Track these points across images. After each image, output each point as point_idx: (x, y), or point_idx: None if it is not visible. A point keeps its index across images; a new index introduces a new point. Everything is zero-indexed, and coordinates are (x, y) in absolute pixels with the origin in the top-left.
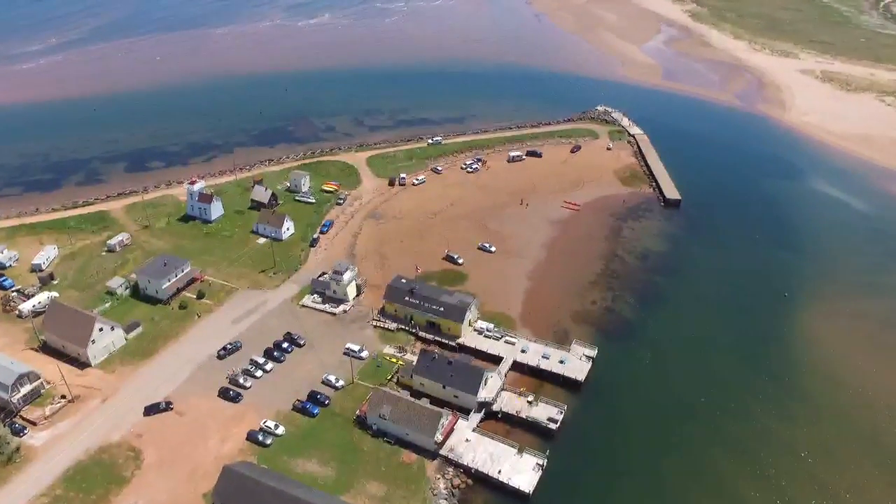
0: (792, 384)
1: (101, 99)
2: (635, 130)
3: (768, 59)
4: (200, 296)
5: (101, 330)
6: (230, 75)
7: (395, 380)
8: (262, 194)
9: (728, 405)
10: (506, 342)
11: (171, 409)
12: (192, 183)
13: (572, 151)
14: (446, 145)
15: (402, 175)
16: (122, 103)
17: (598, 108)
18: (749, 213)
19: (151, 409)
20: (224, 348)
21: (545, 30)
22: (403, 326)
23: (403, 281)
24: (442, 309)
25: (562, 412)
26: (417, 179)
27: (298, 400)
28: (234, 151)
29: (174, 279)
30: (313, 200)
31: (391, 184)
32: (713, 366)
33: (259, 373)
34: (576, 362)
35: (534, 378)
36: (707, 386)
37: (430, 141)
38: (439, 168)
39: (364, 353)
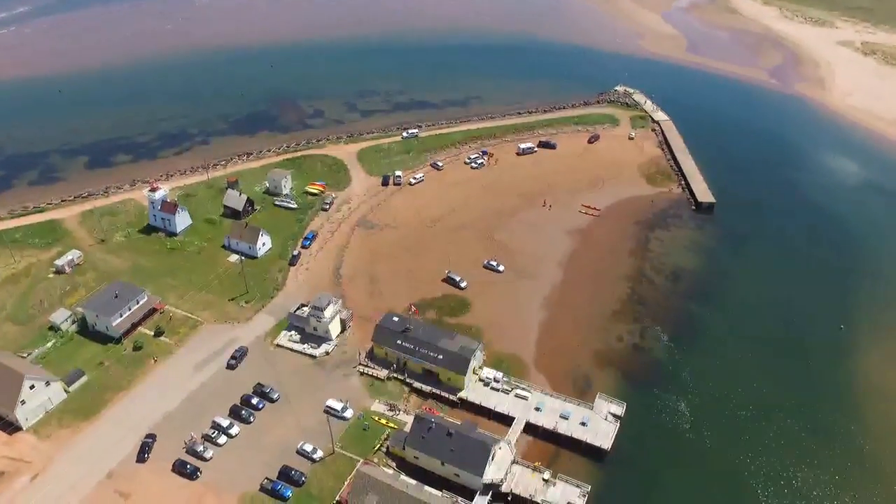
0: (862, 456)
1: (68, 78)
2: (660, 116)
3: (802, 28)
4: (159, 333)
5: (32, 388)
6: (212, 49)
7: (384, 448)
8: (235, 200)
9: (788, 488)
10: (517, 396)
11: (155, 440)
12: (153, 190)
13: (590, 141)
14: (448, 135)
15: (398, 173)
16: (91, 83)
17: (618, 88)
18: (792, 219)
19: (143, 453)
20: (233, 357)
21: None
22: (395, 374)
23: (395, 319)
24: (441, 357)
25: (585, 494)
26: (415, 178)
27: (268, 478)
28: (209, 142)
29: (127, 313)
30: (295, 206)
31: (385, 183)
32: (762, 427)
33: (223, 439)
34: (600, 423)
35: (550, 443)
36: (758, 455)
37: (404, 134)
38: (440, 163)
39: (348, 413)
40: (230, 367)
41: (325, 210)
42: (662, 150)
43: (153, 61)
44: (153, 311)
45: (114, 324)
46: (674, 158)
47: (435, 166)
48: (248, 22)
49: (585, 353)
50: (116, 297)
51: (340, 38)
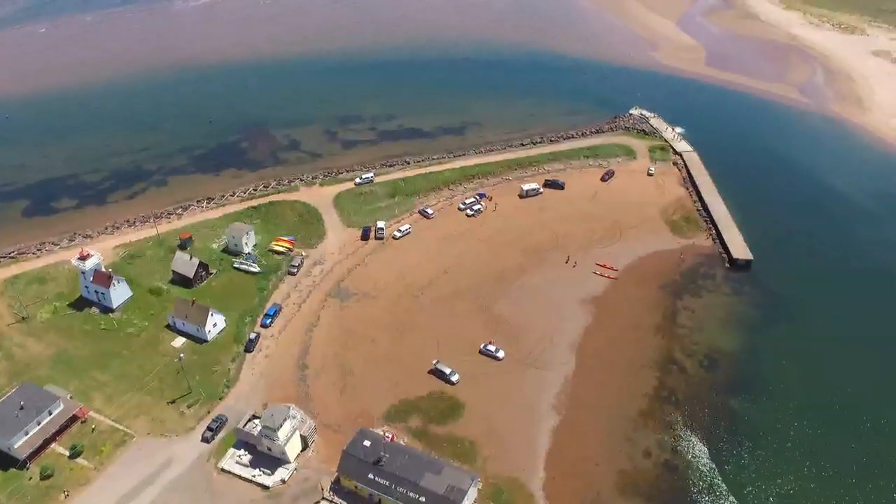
0: None
1: (18, 102)
2: (682, 147)
3: (830, 36)
4: (75, 453)
5: None
6: (184, 67)
7: None
8: (185, 265)
9: None
10: None
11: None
12: (83, 258)
13: (603, 179)
14: (440, 174)
15: (380, 224)
16: (44, 107)
17: (633, 111)
18: (850, 279)
19: None
20: (209, 429)
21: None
22: None
23: (367, 444)
24: (424, 500)
25: None
26: (400, 230)
27: None
28: (167, 183)
29: (35, 430)
30: (257, 269)
31: (365, 237)
32: None
33: None
34: None
35: None
36: None
37: (357, 180)
38: (430, 210)
39: None
40: (205, 439)
41: (293, 274)
42: (687, 188)
43: (115, 81)
44: (73, 419)
45: (16, 445)
46: (701, 200)
47: (424, 214)
48: (224, 35)
49: (606, 475)
50: (22, 408)
51: (325, 52)
